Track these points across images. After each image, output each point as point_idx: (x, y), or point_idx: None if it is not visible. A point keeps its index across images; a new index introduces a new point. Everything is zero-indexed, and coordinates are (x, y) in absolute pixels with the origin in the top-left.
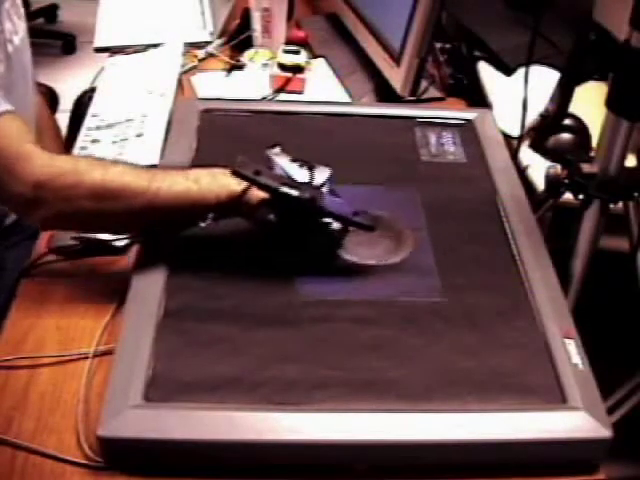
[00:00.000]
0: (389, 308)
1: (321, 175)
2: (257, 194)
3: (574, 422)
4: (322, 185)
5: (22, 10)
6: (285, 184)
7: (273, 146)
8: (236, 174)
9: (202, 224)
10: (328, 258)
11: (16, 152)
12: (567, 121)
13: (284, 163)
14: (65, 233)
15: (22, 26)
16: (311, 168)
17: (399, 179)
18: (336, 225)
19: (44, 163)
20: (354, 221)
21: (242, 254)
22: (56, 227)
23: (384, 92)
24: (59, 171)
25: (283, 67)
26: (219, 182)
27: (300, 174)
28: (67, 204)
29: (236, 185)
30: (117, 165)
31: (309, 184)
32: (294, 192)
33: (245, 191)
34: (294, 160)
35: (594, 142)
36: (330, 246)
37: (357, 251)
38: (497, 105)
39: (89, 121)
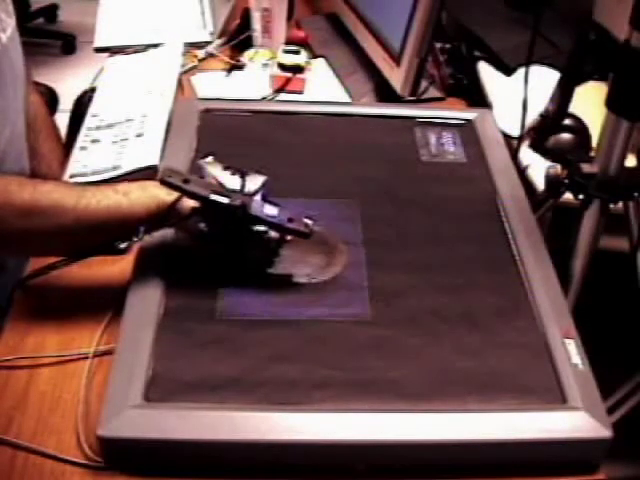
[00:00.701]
0: (389, 308)
1: (254, 182)
2: (188, 204)
3: (574, 422)
4: (255, 193)
5: (11, 7)
6: (215, 192)
7: (205, 155)
8: (164, 183)
9: (135, 239)
10: (264, 268)
11: None
12: (567, 121)
13: (215, 171)
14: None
15: (11, 23)
16: (243, 175)
17: (399, 179)
18: (272, 234)
19: None
20: (288, 228)
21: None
22: None
23: (384, 92)
24: None
25: (283, 67)
26: (149, 193)
27: (232, 181)
28: None
29: (166, 195)
30: (47, 184)
31: (241, 191)
32: (224, 200)
33: (175, 201)
34: (226, 168)
35: (594, 142)
36: (266, 256)
37: (287, 268)
38: (497, 105)
39: (89, 121)
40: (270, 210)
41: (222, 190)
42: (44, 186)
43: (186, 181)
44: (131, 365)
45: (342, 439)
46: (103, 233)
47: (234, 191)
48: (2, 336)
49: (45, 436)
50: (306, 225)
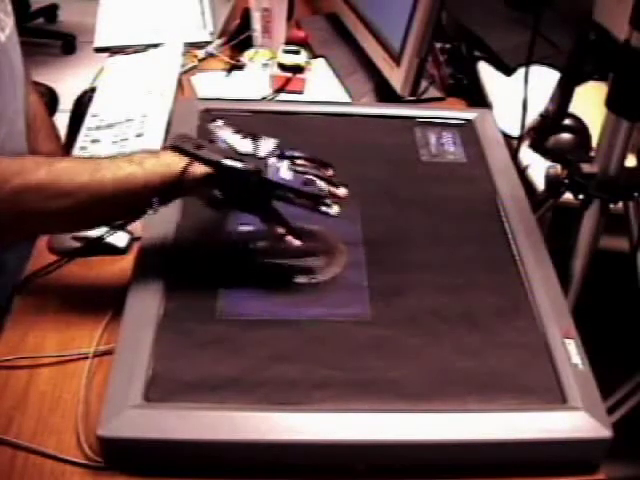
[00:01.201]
0: (389, 308)
1: (266, 145)
2: (201, 170)
3: (574, 422)
4: (268, 156)
5: (10, 7)
6: (228, 157)
7: (214, 119)
8: (176, 149)
9: (150, 212)
10: (267, 260)
11: None
12: (567, 121)
13: (226, 135)
14: (65, 233)
15: (9, 23)
16: (255, 138)
17: (399, 179)
18: (279, 229)
19: None
20: (303, 191)
21: (242, 253)
22: (9, 233)
23: (384, 92)
24: (5, 175)
25: (283, 67)
26: (163, 161)
27: (243, 145)
28: (15, 206)
29: (179, 162)
30: (62, 161)
31: (253, 155)
32: (238, 164)
33: (186, 167)
34: (237, 131)
35: (594, 142)
36: (270, 247)
37: (288, 267)
38: (497, 105)
39: (89, 121)
40: (285, 174)
41: (235, 155)
42: (59, 164)
43: (199, 147)
44: (131, 365)
45: (342, 439)
46: (120, 206)
47: (247, 155)
48: (2, 336)
49: (45, 436)
50: (321, 189)
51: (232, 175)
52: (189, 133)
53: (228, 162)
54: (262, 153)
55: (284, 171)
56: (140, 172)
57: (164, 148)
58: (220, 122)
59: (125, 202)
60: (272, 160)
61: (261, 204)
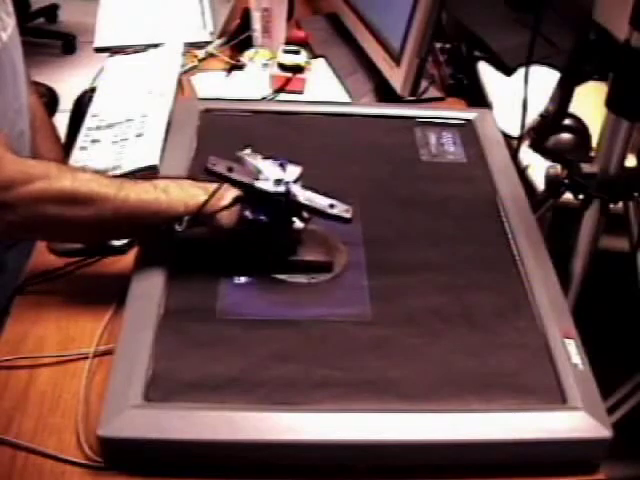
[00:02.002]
0: (389, 308)
1: (292, 172)
2: (224, 200)
3: (574, 422)
4: (295, 181)
5: (11, 8)
6: (258, 179)
7: (244, 147)
8: (209, 172)
9: (178, 228)
10: (286, 256)
11: None
12: (567, 121)
13: (256, 161)
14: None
15: (11, 23)
16: (282, 165)
17: (399, 179)
18: (298, 224)
19: (14, 168)
20: (331, 214)
21: (242, 253)
22: (21, 233)
23: (384, 92)
24: (29, 176)
25: (283, 67)
26: (187, 193)
27: (272, 171)
28: (33, 209)
29: (202, 195)
30: (86, 172)
31: (281, 180)
32: (268, 187)
33: (208, 200)
34: (266, 158)
35: (594, 142)
36: (290, 244)
37: (287, 267)
38: (497, 105)
39: (89, 121)
40: (312, 197)
41: (264, 178)
42: (83, 175)
43: (230, 169)
44: (131, 365)
45: (342, 439)
46: (140, 226)
47: (275, 179)
48: (2, 336)
49: (45, 436)
50: (347, 210)
51: (262, 197)
52: (219, 159)
53: (259, 184)
54: (289, 178)
55: (310, 194)
56: (164, 198)
57: (188, 177)
58: (248, 150)
59: (147, 223)
60: (298, 185)
61: (286, 225)
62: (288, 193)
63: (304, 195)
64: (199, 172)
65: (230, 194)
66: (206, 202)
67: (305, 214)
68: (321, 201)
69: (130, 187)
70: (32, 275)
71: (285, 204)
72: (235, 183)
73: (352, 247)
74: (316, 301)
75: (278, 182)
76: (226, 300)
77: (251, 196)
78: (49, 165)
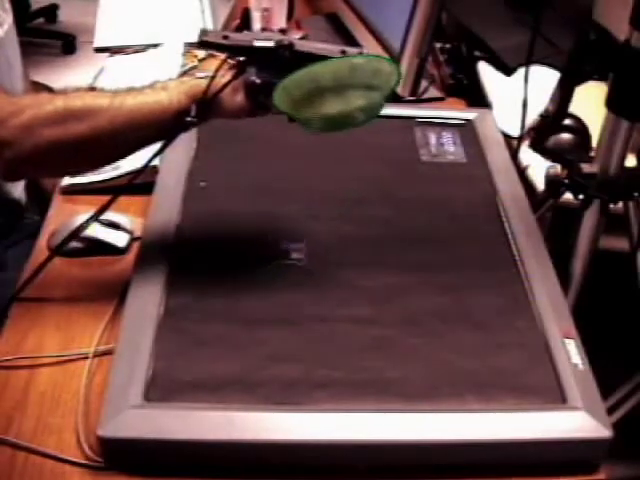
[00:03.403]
0: (389, 308)
1: (291, 35)
2: (228, 75)
3: (574, 422)
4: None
5: (8, 5)
6: (256, 39)
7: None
8: (203, 43)
9: (189, 118)
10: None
11: None
12: (567, 121)
13: (251, 34)
14: (65, 233)
15: (7, 20)
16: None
17: (399, 179)
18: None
19: (2, 102)
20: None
21: (242, 253)
22: (24, 169)
23: None
24: (18, 108)
25: None
26: (187, 84)
27: (270, 36)
28: (28, 138)
29: (204, 81)
30: (78, 90)
31: (282, 40)
32: (269, 43)
33: (212, 78)
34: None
35: (594, 142)
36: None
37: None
38: (497, 105)
39: None
40: (319, 45)
41: (263, 38)
42: (75, 92)
43: (225, 37)
44: (131, 365)
45: (342, 439)
46: (146, 130)
47: (276, 40)
48: (2, 336)
49: (45, 436)
50: (360, 53)
51: (266, 55)
52: (209, 29)
53: (259, 43)
54: (279, 37)
55: (316, 44)
56: (164, 95)
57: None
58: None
59: (148, 126)
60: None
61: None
62: (292, 45)
63: (309, 45)
64: (199, 172)
65: (229, 73)
66: (210, 83)
67: None
68: (330, 47)
69: (125, 93)
70: (32, 274)
71: (290, 58)
72: (233, 49)
73: (352, 247)
74: (316, 301)
75: (279, 41)
76: (226, 300)
77: (252, 59)
78: (40, 94)
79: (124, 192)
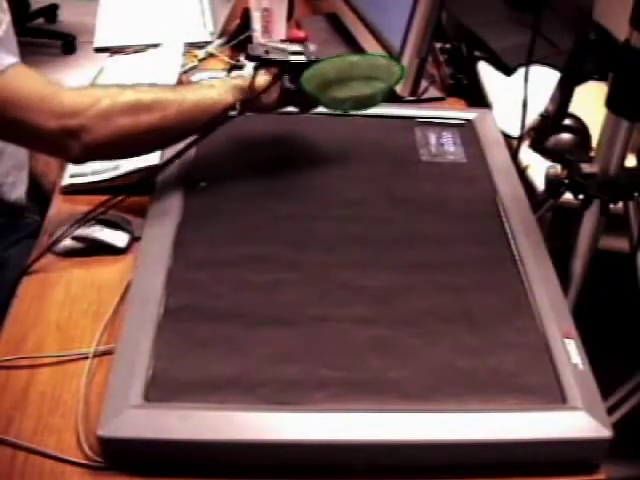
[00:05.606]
0: (389, 308)
1: (311, 47)
2: (262, 80)
3: (574, 422)
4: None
5: (5, 4)
6: (292, 53)
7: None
8: (250, 56)
9: (234, 112)
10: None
11: (43, 92)
12: (567, 121)
13: (277, 44)
14: (65, 233)
15: (5, 19)
16: (301, 42)
17: (399, 179)
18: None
19: (74, 94)
20: None
21: (242, 253)
22: (99, 152)
23: None
24: (94, 98)
25: None
26: (231, 83)
27: (296, 48)
28: (106, 124)
29: (244, 82)
30: (143, 84)
31: (303, 52)
32: (302, 58)
33: (253, 80)
34: (282, 41)
35: (594, 142)
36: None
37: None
38: (497, 105)
39: None
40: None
41: (294, 53)
42: (141, 87)
43: (267, 52)
44: (131, 365)
45: (342, 439)
46: (200, 123)
47: (302, 53)
48: (2, 336)
49: (45, 436)
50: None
51: (299, 69)
52: (254, 45)
53: (294, 58)
54: (311, 50)
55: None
56: (214, 92)
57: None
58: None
59: (204, 118)
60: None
61: None
62: (318, 60)
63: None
64: (199, 172)
65: (265, 77)
66: (252, 84)
67: None
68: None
69: (183, 89)
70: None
71: None
72: (273, 62)
73: (352, 247)
74: (316, 301)
75: (305, 51)
76: (226, 300)
77: (287, 70)
78: (108, 87)
79: (123, 192)
